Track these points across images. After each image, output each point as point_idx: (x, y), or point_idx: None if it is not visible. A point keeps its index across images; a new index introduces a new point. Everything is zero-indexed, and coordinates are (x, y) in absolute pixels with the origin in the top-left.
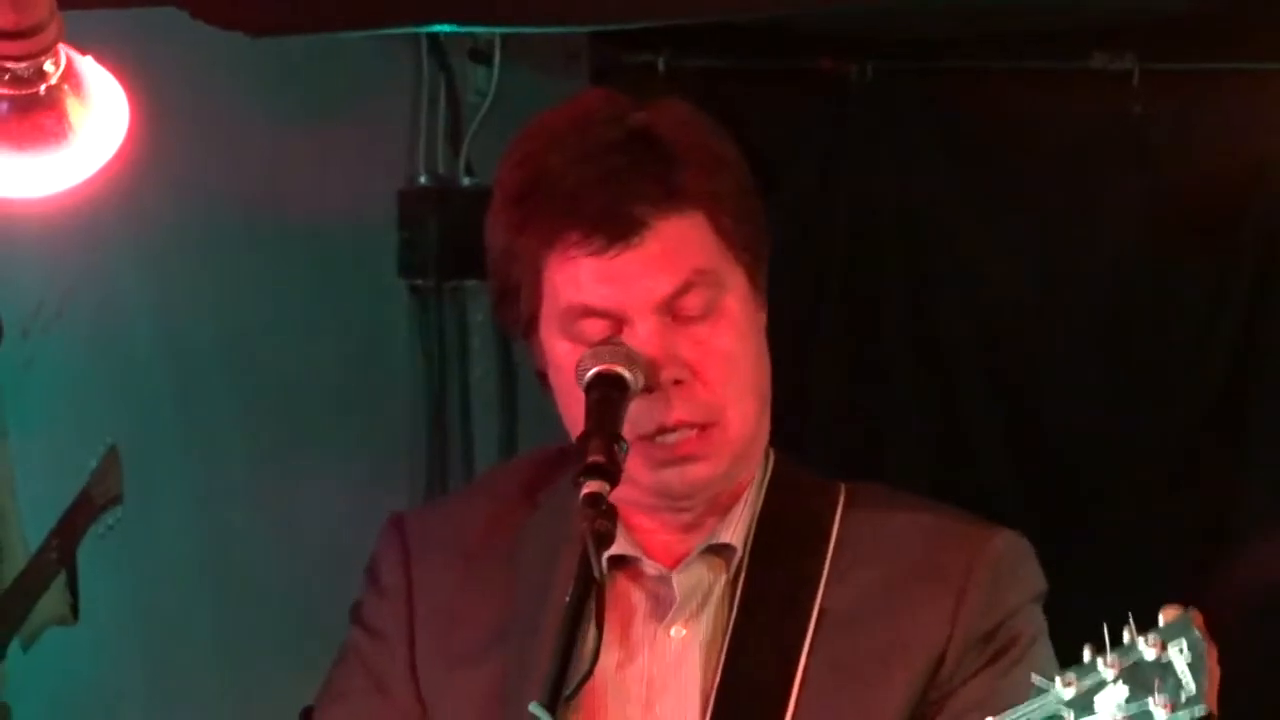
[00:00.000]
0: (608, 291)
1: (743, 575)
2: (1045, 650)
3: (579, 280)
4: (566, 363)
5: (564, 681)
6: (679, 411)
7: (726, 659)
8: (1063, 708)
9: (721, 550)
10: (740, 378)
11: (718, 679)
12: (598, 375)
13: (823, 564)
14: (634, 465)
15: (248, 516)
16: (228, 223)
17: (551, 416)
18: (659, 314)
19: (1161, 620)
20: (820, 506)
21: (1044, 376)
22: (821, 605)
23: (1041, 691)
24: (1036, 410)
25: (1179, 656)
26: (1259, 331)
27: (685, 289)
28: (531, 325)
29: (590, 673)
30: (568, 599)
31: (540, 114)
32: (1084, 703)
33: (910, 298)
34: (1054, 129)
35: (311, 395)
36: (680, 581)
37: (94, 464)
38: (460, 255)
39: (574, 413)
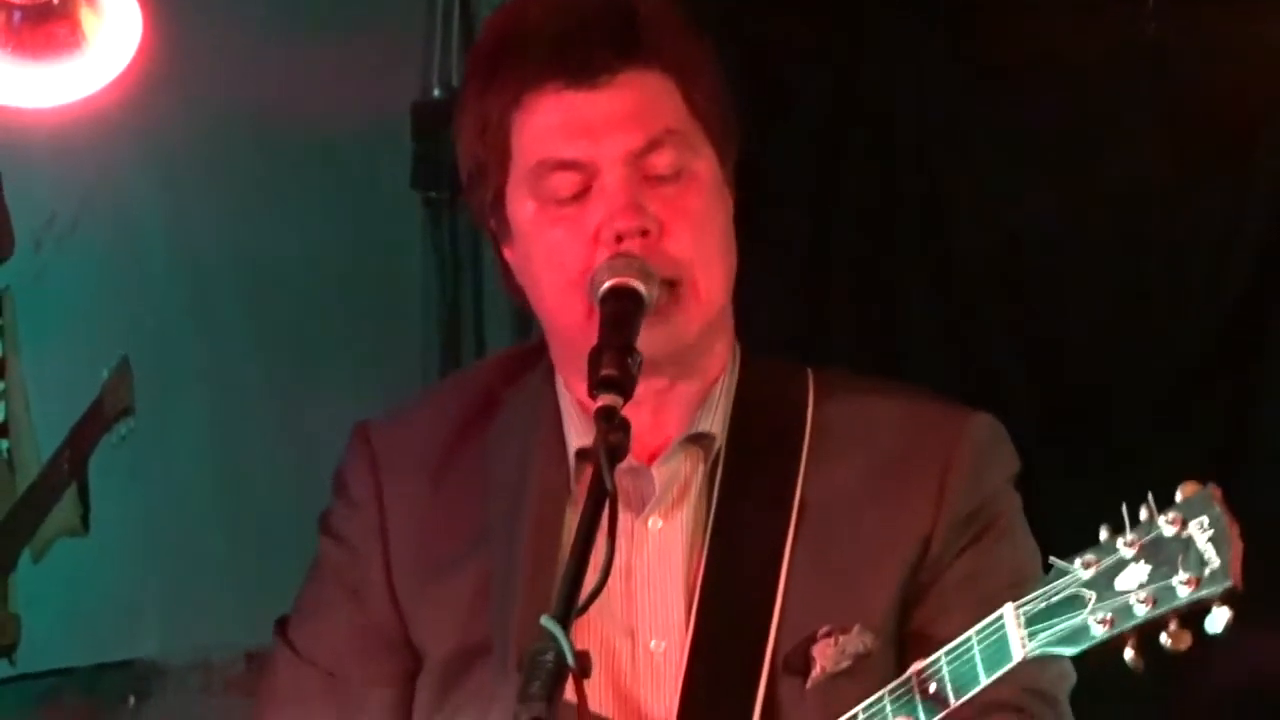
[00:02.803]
0: (577, 141)
1: (720, 466)
2: (1023, 525)
3: (548, 131)
4: (534, 225)
5: (577, 595)
6: (650, 262)
7: (710, 551)
8: (1083, 588)
9: (700, 440)
10: (709, 242)
11: (701, 571)
12: (612, 289)
13: (800, 453)
14: (598, 327)
15: (260, 429)
16: (241, 136)
17: None
18: (628, 166)
19: (1179, 496)
20: (794, 394)
21: (1059, 296)
22: (802, 495)
23: (1061, 572)
24: (1052, 328)
25: (1200, 532)
26: (1275, 252)
27: (655, 145)
28: (499, 198)
29: (602, 585)
30: (581, 513)
31: None
32: (1105, 582)
33: (925, 218)
34: (1070, 49)
35: (325, 307)
36: (659, 474)
37: (106, 376)
38: None
39: (538, 278)
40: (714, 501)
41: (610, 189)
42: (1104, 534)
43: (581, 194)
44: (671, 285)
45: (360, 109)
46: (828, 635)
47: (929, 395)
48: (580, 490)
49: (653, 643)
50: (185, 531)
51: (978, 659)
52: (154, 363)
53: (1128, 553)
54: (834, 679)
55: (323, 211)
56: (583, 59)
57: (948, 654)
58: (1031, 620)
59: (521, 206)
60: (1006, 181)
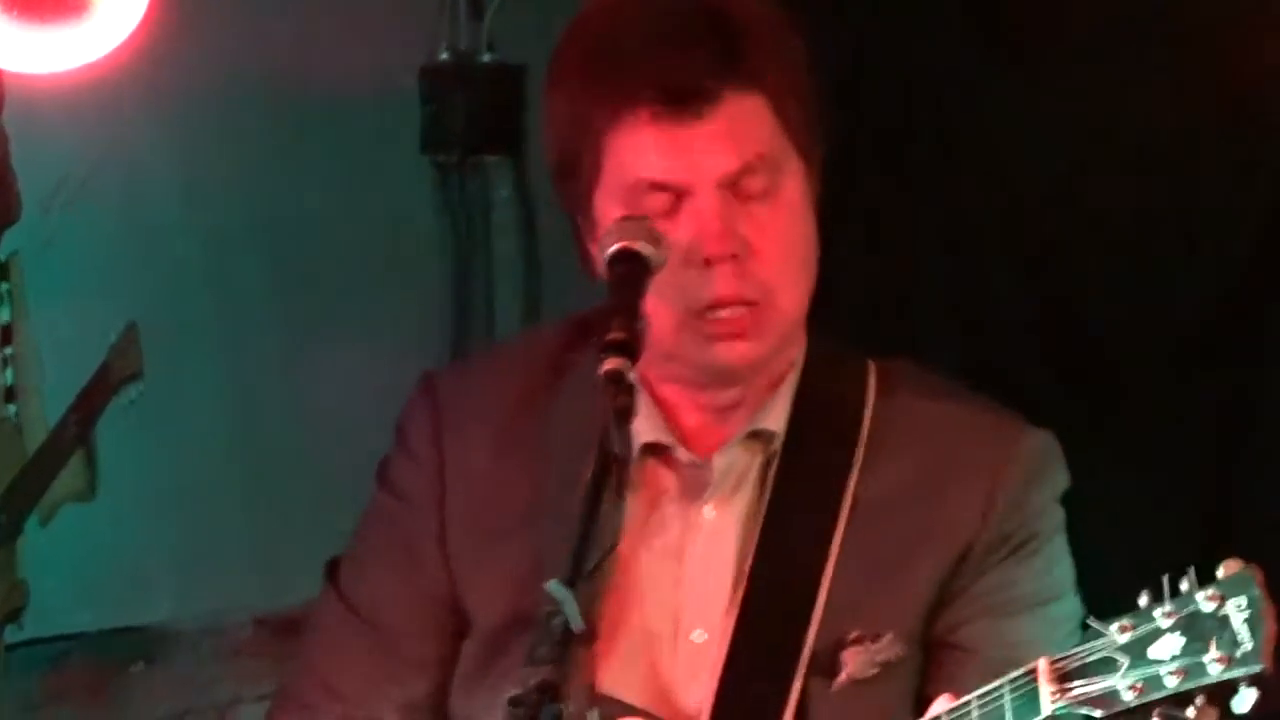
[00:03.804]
0: (673, 165)
1: (777, 459)
2: (1061, 543)
3: (645, 152)
4: None
5: (584, 559)
6: (733, 287)
7: (761, 540)
8: (1117, 652)
9: (761, 434)
10: (794, 260)
11: (751, 559)
12: (619, 251)
13: (856, 450)
14: (682, 340)
15: (273, 392)
16: (251, 98)
17: (573, 292)
18: (721, 190)
19: (1221, 573)
20: (854, 390)
21: (1070, 255)
22: (854, 493)
23: (1097, 634)
24: (1063, 287)
25: (1237, 612)
26: None
27: (748, 169)
28: (588, 198)
29: (613, 549)
30: (590, 476)
31: None
32: (1139, 650)
33: (938, 176)
34: (1083, 7)
35: (336, 270)
36: (717, 464)
37: (112, 340)
38: (483, 131)
39: None
40: (768, 495)
41: (702, 212)
42: (1143, 600)
43: (672, 211)
44: (752, 305)
45: (370, 72)
46: (858, 641)
47: (989, 404)
48: (642, 480)
49: (695, 632)
50: (195, 497)
51: (1007, 709)
52: (165, 327)
53: (1164, 623)
54: (860, 684)
55: (334, 175)
56: (684, 84)
57: (979, 699)
58: (1064, 677)
59: (612, 214)
60: (1016, 147)
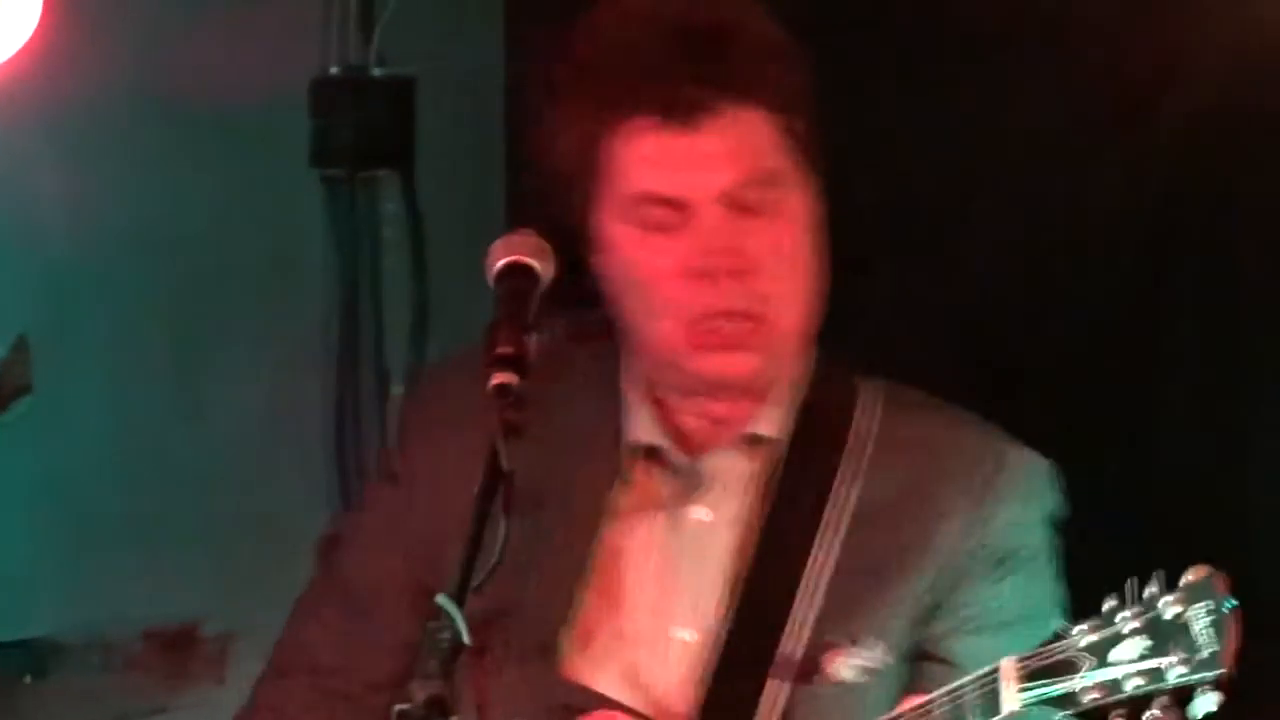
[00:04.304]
0: (673, 178)
1: (779, 467)
2: (1046, 564)
3: (645, 165)
4: (622, 247)
5: (471, 573)
6: (732, 300)
7: (756, 544)
8: (1080, 654)
9: (756, 440)
10: (794, 274)
11: (744, 563)
12: (507, 266)
13: (854, 462)
14: (678, 348)
15: (163, 405)
16: (141, 110)
17: (463, 307)
18: (723, 203)
19: (1186, 579)
20: (857, 405)
21: (957, 258)
22: (850, 503)
23: (1061, 636)
24: (950, 291)
25: (1200, 617)
26: (1175, 223)
27: (748, 182)
28: (585, 210)
29: (500, 562)
30: (476, 490)
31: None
32: (1101, 652)
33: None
34: (970, 15)
35: (226, 284)
36: (708, 466)
37: (2, 354)
38: (373, 145)
39: (626, 298)
40: (767, 502)
41: (704, 226)
42: (1108, 604)
43: (674, 225)
44: (751, 318)
45: (259, 85)
46: (845, 647)
47: (985, 426)
48: (634, 479)
49: (683, 633)
50: (84, 510)
51: (968, 707)
52: (53, 340)
53: (1128, 626)
54: (845, 690)
55: (223, 188)
56: (684, 99)
57: (943, 695)
58: (1027, 676)
59: (612, 229)
60: (903, 144)
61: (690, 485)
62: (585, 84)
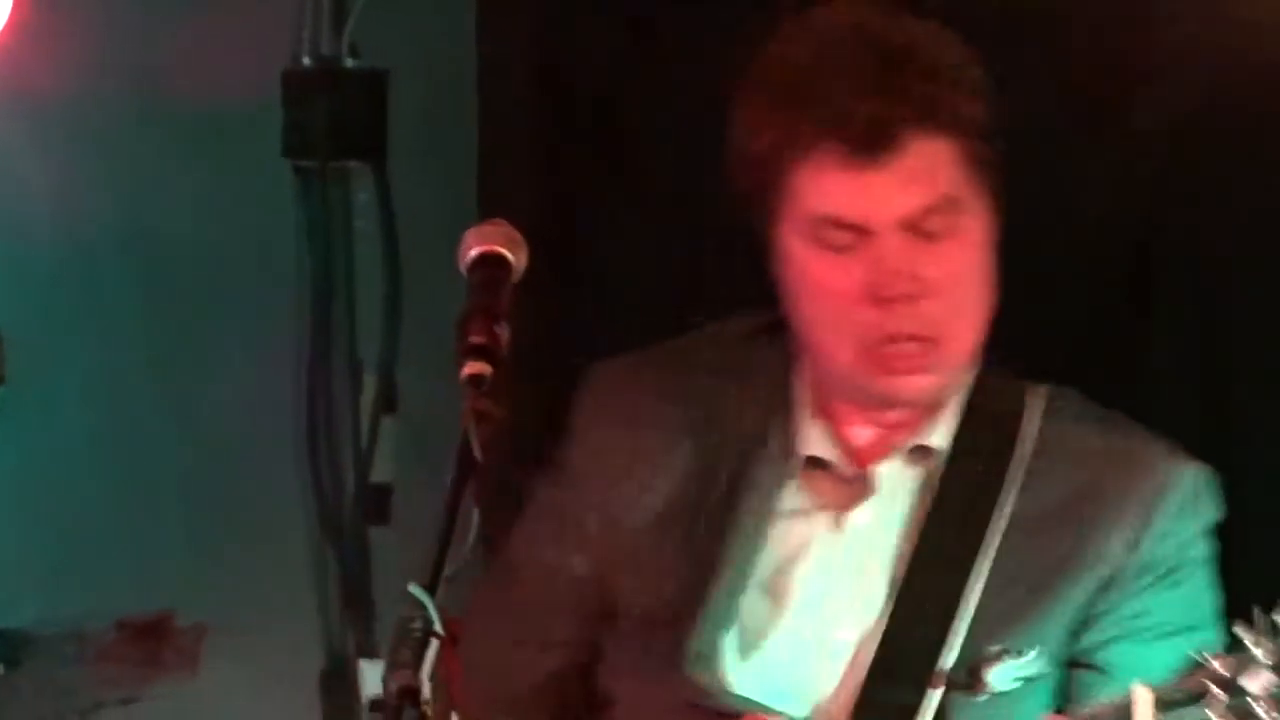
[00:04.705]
0: (856, 205)
1: (939, 475)
2: (1206, 575)
3: (828, 191)
4: (802, 263)
5: (443, 564)
6: (908, 325)
7: (915, 551)
8: (1213, 683)
9: (923, 450)
10: (969, 297)
11: (902, 569)
12: (480, 256)
13: (1015, 470)
14: (857, 371)
15: (139, 395)
16: (114, 101)
17: (436, 300)
18: (902, 230)
19: None
20: (1019, 412)
21: None
22: (1011, 511)
23: (1197, 664)
24: None
25: None
26: (1164, 215)
27: (930, 210)
28: (773, 223)
29: (469, 555)
30: (449, 481)
31: (797, 19)
32: (1233, 681)
33: None
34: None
35: (202, 276)
36: (874, 474)
37: None
38: (345, 137)
39: (802, 310)
40: (926, 508)
41: (882, 252)
42: (1242, 634)
43: (854, 247)
44: (927, 341)
45: (232, 77)
46: (1000, 656)
47: (1147, 435)
48: (800, 485)
49: (841, 634)
50: (59, 501)
51: None
52: (28, 330)
53: (1261, 656)
54: (1000, 699)
55: (196, 179)
56: (872, 130)
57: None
58: (1162, 706)
59: (794, 243)
60: None
61: (855, 492)
62: (775, 108)
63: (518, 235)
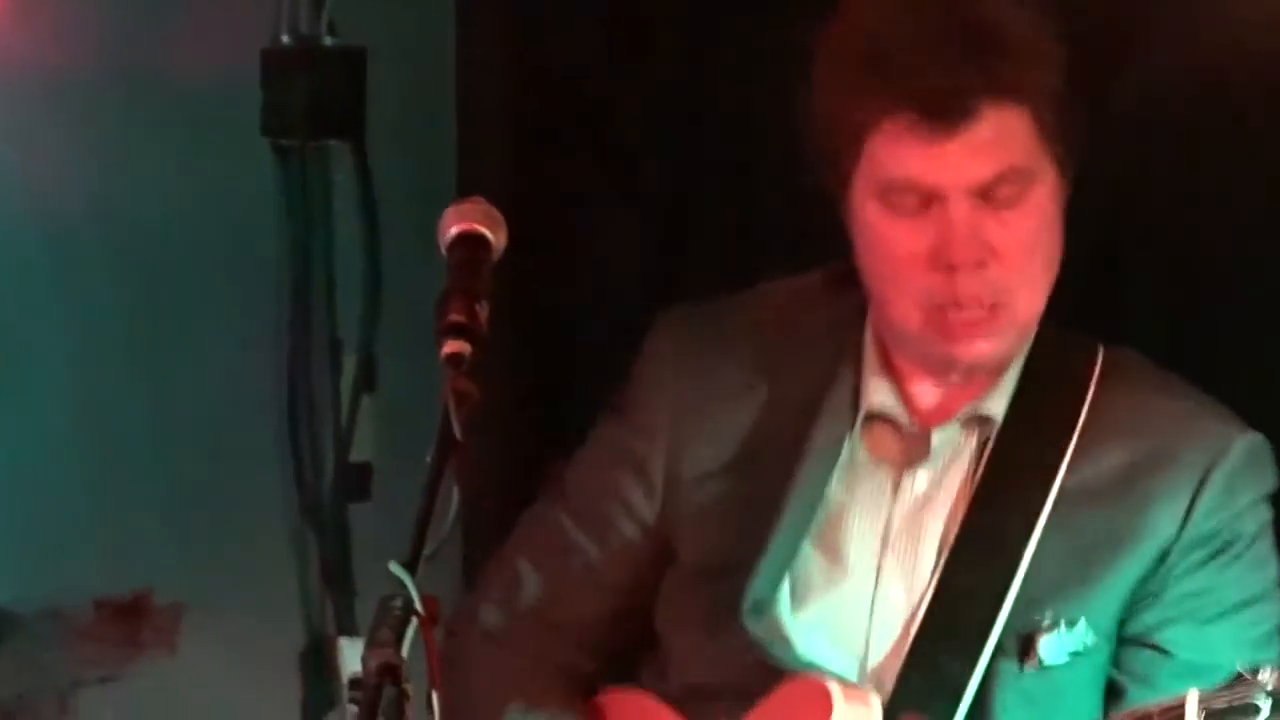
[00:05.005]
0: (928, 171)
1: (993, 439)
2: (1264, 544)
3: (902, 158)
4: (873, 226)
5: (423, 543)
6: (975, 290)
7: (967, 516)
8: (1262, 697)
9: (983, 416)
10: (1035, 264)
11: (955, 533)
12: (460, 235)
13: (1071, 437)
14: (917, 330)
15: (117, 375)
16: (90, 82)
17: (415, 277)
18: (972, 197)
19: None
20: (1076, 377)
21: None
22: (1063, 481)
23: (1243, 679)
24: None
25: None
26: (1131, 200)
27: (1000, 179)
28: (845, 184)
29: (450, 529)
30: (430, 460)
31: None
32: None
33: (786, 169)
34: None
35: (181, 256)
36: (934, 437)
37: None
38: (324, 115)
39: (872, 272)
40: (980, 473)
41: (952, 219)
42: None
43: (923, 210)
44: (993, 307)
45: (211, 55)
46: (1053, 627)
47: (1205, 401)
48: (862, 441)
49: (893, 595)
50: (36, 480)
51: None
52: (10, 314)
53: None
54: (1048, 674)
55: (174, 159)
56: (947, 99)
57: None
58: (1210, 716)
59: (865, 204)
60: None
61: (915, 453)
62: (850, 74)
63: (497, 213)
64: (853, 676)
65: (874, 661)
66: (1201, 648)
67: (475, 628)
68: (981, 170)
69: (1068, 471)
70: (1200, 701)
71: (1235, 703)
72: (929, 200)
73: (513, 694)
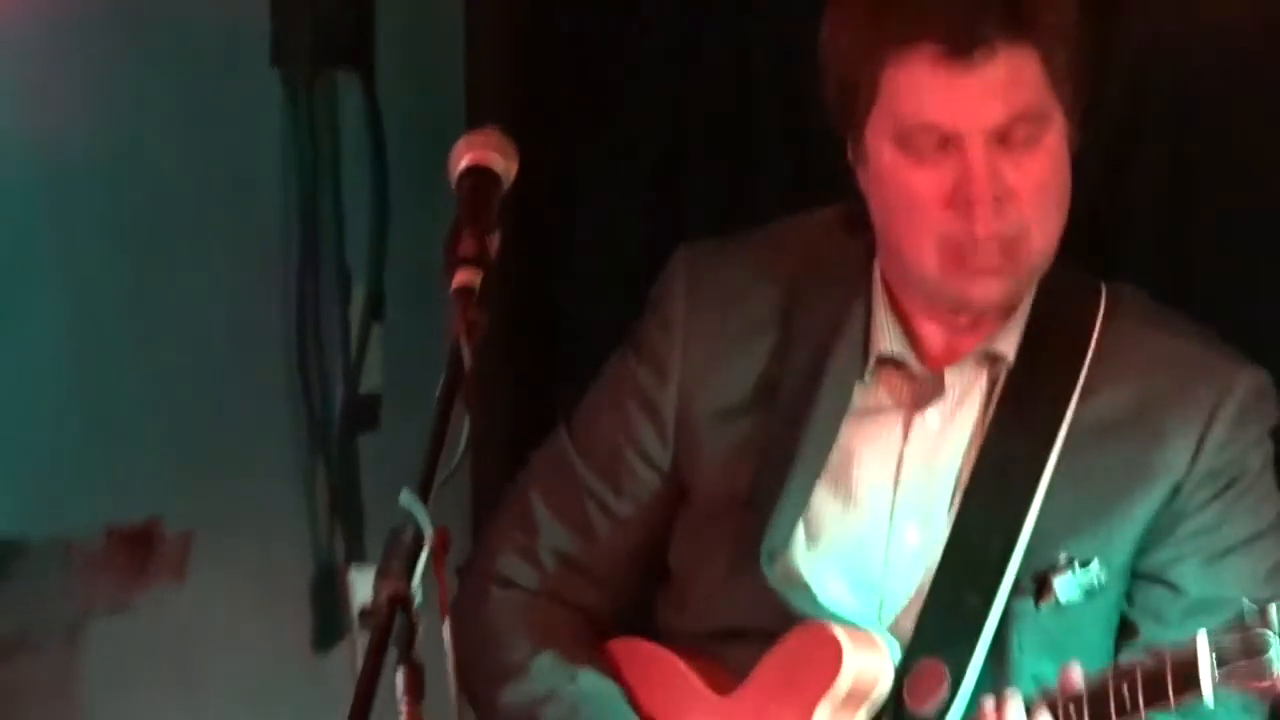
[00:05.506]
0: (946, 111)
1: (1003, 378)
2: (1270, 480)
3: (920, 95)
4: (888, 166)
5: (434, 472)
6: (992, 228)
7: (979, 456)
8: (1271, 633)
9: (993, 355)
10: (1049, 202)
11: (968, 474)
12: (470, 167)
13: (1078, 377)
14: (933, 270)
15: (118, 313)
16: (100, 13)
17: (421, 204)
18: (989, 139)
19: None
20: (1082, 315)
21: None
22: (1072, 419)
23: (1251, 618)
24: None
25: None
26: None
27: (1016, 119)
28: (860, 126)
29: (460, 462)
30: (439, 389)
31: None
32: None
33: (783, 130)
34: None
35: (189, 186)
36: (945, 377)
37: None
38: (332, 45)
39: (888, 216)
40: (991, 412)
41: (970, 157)
42: None
43: (940, 152)
44: (1008, 244)
45: None
46: (1068, 566)
47: (1211, 339)
48: (873, 383)
49: (908, 536)
50: (44, 408)
51: (1167, 679)
52: (14, 240)
53: None
54: (1064, 611)
55: (179, 90)
56: (966, 36)
57: (1145, 658)
58: (1221, 655)
59: (881, 147)
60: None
61: (926, 393)
62: (870, 11)
63: (508, 143)
64: (872, 621)
65: (892, 604)
66: (1213, 583)
67: (492, 569)
68: (999, 111)
69: (1077, 410)
70: (1210, 641)
71: (1245, 641)
72: (946, 143)
73: (535, 635)
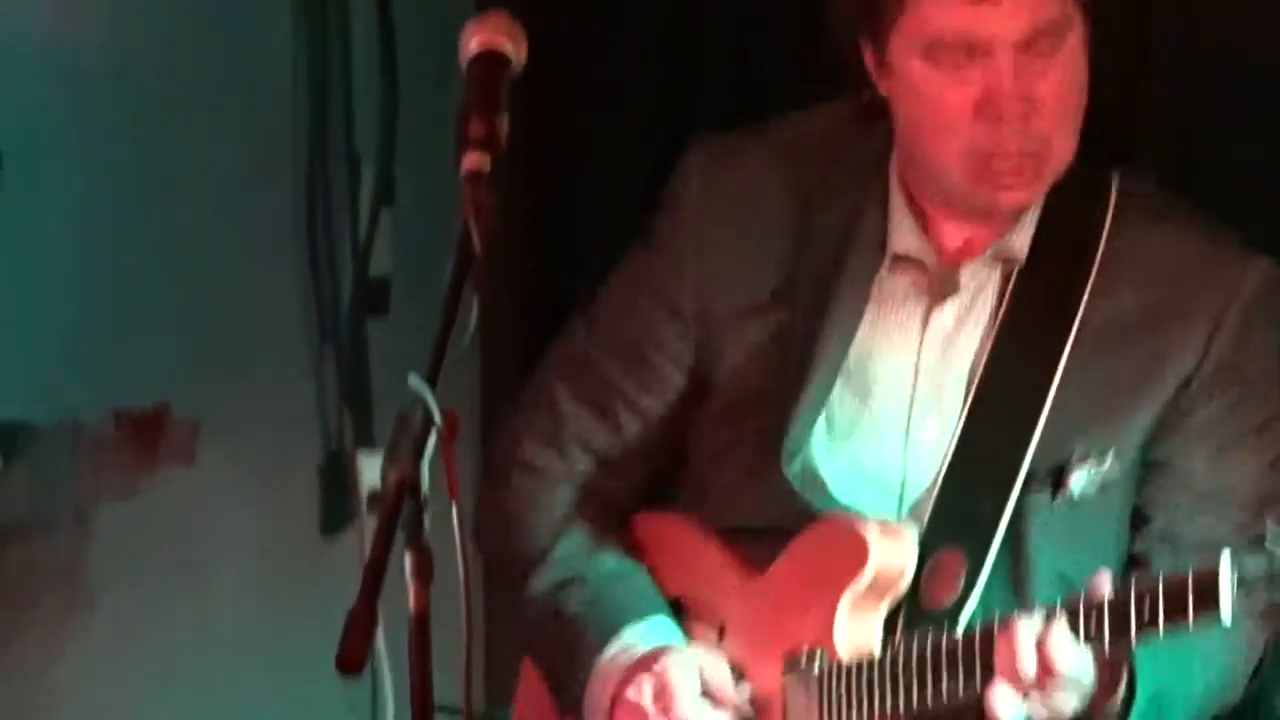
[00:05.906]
0: (975, 25)
1: (1014, 277)
2: (1276, 372)
3: (949, 10)
4: (916, 81)
5: (443, 356)
6: (1018, 141)
7: (992, 353)
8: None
9: (1008, 255)
10: (1070, 109)
11: (981, 370)
12: (480, 53)
13: (1089, 274)
14: (958, 179)
15: (134, 192)
16: None
17: (431, 86)
18: (1017, 49)
19: None
20: (1093, 213)
21: None
22: (1084, 315)
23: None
24: None
25: None
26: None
27: (1040, 32)
28: (884, 39)
29: (469, 343)
30: (449, 273)
31: None
32: None
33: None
34: None
35: (197, 73)
36: (960, 275)
37: None
38: None
39: (916, 126)
40: (1003, 310)
41: (998, 71)
42: None
43: (969, 66)
44: (1034, 156)
45: None
46: (1083, 460)
47: (1219, 232)
48: (889, 280)
49: (925, 432)
50: (54, 293)
51: (1188, 598)
52: (25, 126)
53: None
54: (1077, 508)
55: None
56: None
57: (1168, 577)
58: (1240, 581)
59: (908, 61)
60: None
61: (941, 291)
62: None
63: (518, 26)
64: (892, 516)
65: (911, 498)
66: (1223, 472)
67: (517, 455)
68: (1026, 25)
69: (1087, 310)
70: (1233, 561)
71: (1269, 563)
72: (975, 55)
73: (558, 521)
